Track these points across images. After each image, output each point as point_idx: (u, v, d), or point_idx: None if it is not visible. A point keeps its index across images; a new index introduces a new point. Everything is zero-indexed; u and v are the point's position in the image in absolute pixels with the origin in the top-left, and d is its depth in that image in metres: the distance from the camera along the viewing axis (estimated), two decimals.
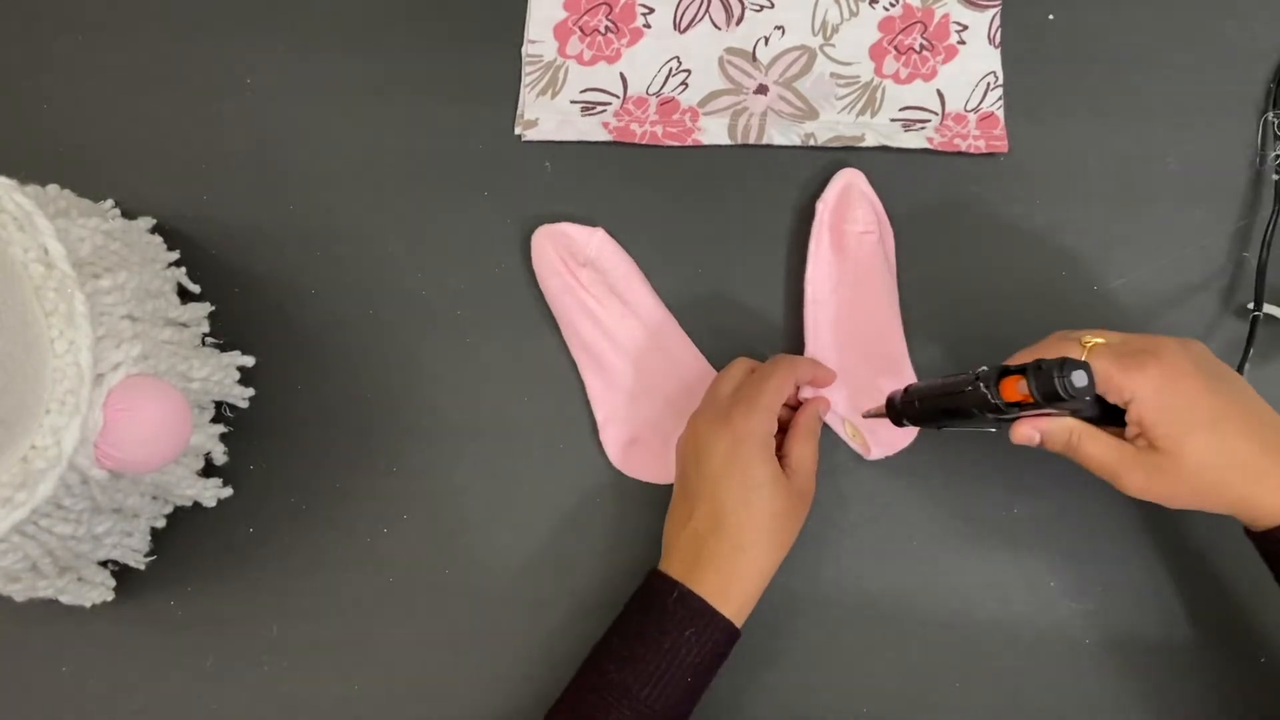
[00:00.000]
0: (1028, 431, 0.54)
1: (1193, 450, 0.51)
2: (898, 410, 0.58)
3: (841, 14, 0.71)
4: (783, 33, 0.71)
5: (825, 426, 0.65)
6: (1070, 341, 0.54)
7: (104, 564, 0.62)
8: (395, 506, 0.66)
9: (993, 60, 0.70)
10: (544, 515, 0.66)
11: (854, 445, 0.65)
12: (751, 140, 0.69)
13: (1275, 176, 0.67)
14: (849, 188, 0.66)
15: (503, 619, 0.64)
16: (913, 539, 0.65)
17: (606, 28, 0.72)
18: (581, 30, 0.72)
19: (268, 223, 0.70)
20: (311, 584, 0.65)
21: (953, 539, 0.64)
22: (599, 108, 0.70)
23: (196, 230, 0.69)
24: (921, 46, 0.71)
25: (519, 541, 0.65)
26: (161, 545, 0.64)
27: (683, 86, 0.70)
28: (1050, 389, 0.49)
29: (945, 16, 0.71)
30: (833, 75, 0.70)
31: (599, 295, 0.66)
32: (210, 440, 0.64)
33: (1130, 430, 0.53)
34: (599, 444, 0.66)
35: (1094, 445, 0.53)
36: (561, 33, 0.71)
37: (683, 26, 0.71)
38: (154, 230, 0.67)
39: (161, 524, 0.64)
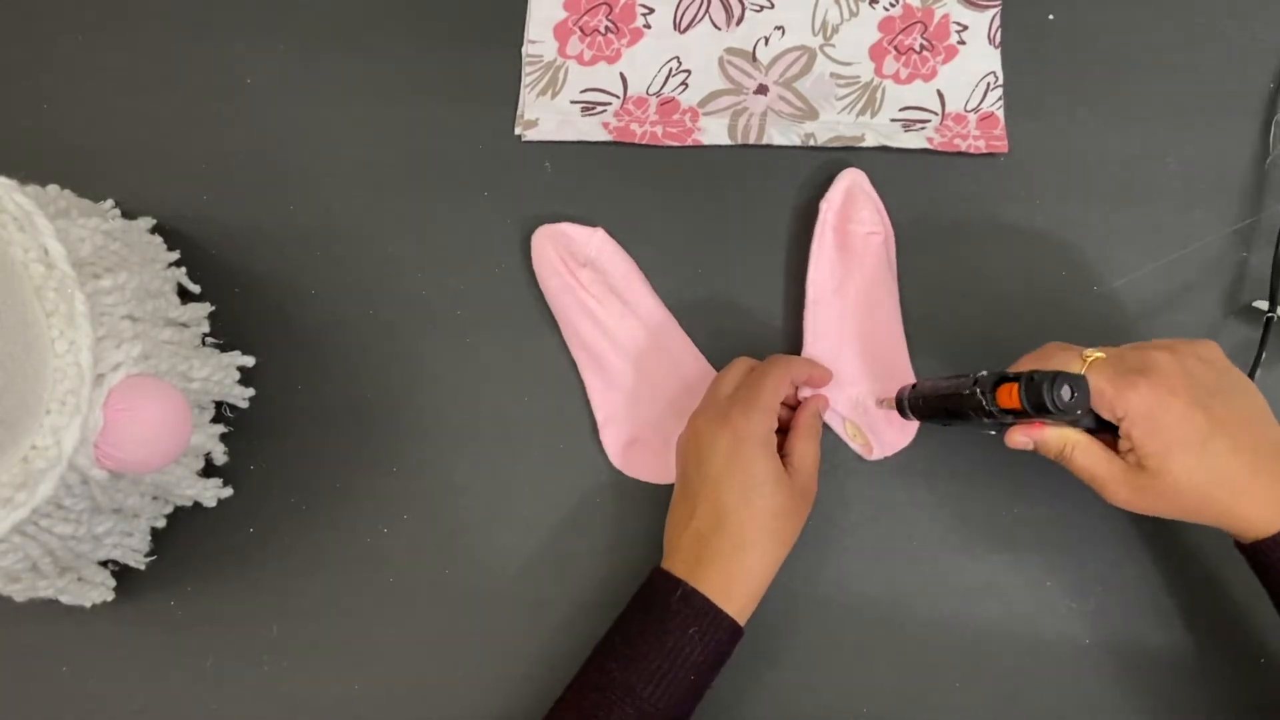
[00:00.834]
0: (1022, 439, 0.55)
1: (1179, 471, 0.51)
2: (905, 405, 0.60)
3: (841, 14, 0.71)
4: (783, 33, 0.71)
5: (826, 426, 0.65)
6: (1072, 353, 0.54)
7: (104, 564, 0.62)
8: (395, 506, 0.66)
9: (993, 60, 0.70)
10: (544, 515, 0.66)
11: (855, 446, 0.65)
12: (751, 140, 0.69)
13: None
14: (853, 188, 0.66)
15: (503, 619, 0.64)
16: (913, 539, 0.65)
17: (606, 28, 0.72)
18: (581, 30, 0.72)
19: (268, 223, 0.70)
20: (311, 584, 0.65)
21: (953, 539, 0.64)
22: (599, 108, 0.70)
23: (196, 230, 0.69)
24: (921, 47, 0.71)
25: (519, 541, 0.65)
26: (161, 545, 0.64)
27: (683, 86, 0.70)
28: (1039, 401, 0.51)
29: (945, 16, 0.71)
30: (833, 75, 0.70)
31: (599, 295, 0.66)
32: (210, 440, 0.64)
33: (1122, 445, 0.53)
34: (599, 444, 0.66)
35: (1085, 457, 0.54)
36: (561, 33, 0.71)
37: (683, 27, 0.71)
38: (154, 230, 0.67)
39: (161, 524, 0.64)
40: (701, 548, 0.57)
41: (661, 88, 0.70)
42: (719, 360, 0.66)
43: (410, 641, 0.64)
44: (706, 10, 0.71)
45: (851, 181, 0.66)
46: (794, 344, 0.67)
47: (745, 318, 0.68)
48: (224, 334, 0.66)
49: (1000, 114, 0.69)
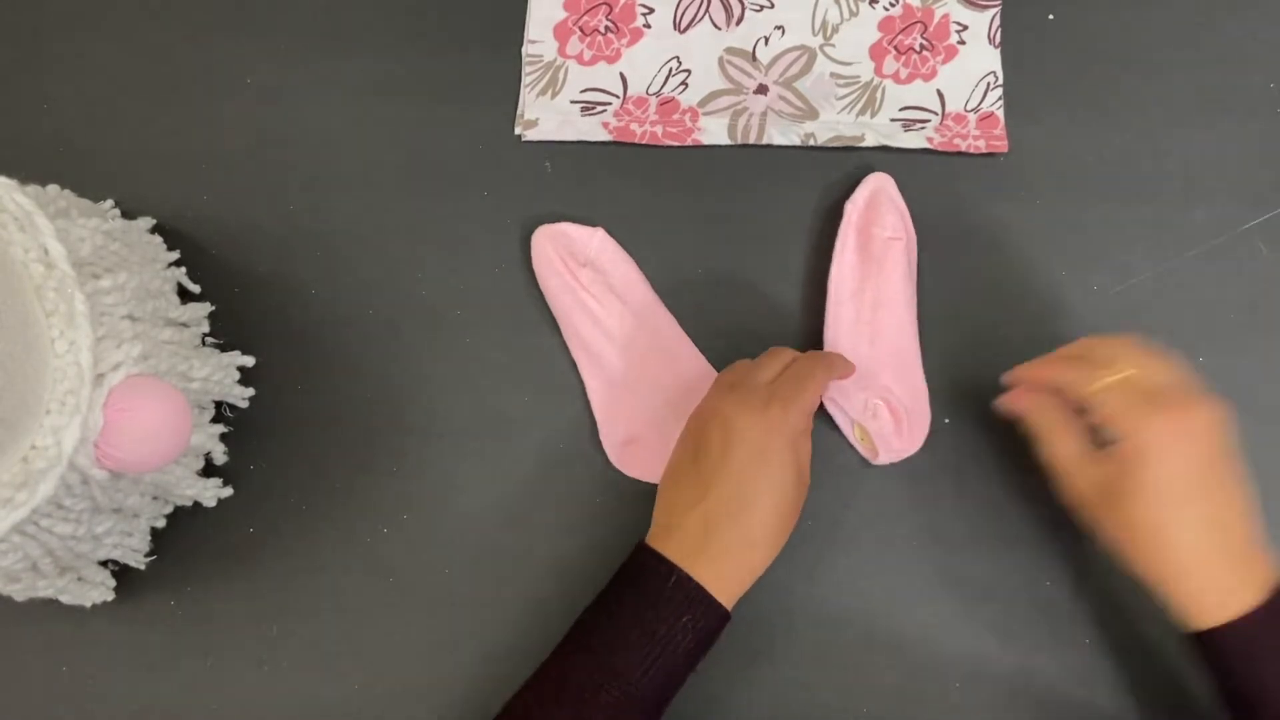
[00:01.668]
0: (1016, 405, 0.58)
1: (1155, 513, 0.52)
2: None
3: (841, 14, 0.71)
4: (783, 33, 0.71)
5: (834, 428, 0.65)
6: (1083, 369, 0.54)
7: (104, 564, 0.62)
8: (395, 506, 0.66)
9: (993, 60, 0.70)
10: (543, 515, 0.66)
11: (861, 449, 0.65)
12: (751, 140, 0.69)
13: None
14: (879, 192, 0.66)
15: (502, 619, 0.64)
16: (913, 539, 0.65)
17: (606, 28, 0.72)
18: (581, 30, 0.72)
19: (268, 223, 0.70)
20: (311, 584, 0.65)
21: (953, 539, 0.64)
22: (599, 108, 0.70)
23: (196, 230, 0.69)
24: (921, 46, 0.70)
25: (518, 541, 0.65)
26: (161, 545, 0.64)
27: (683, 86, 0.70)
28: None
29: (945, 16, 0.71)
30: (833, 75, 0.70)
31: (599, 295, 0.66)
32: (210, 440, 0.64)
33: (1109, 450, 0.53)
34: (598, 444, 0.66)
35: (1063, 445, 0.55)
36: (561, 33, 0.71)
37: (683, 26, 0.71)
38: (154, 230, 0.67)
39: (161, 524, 0.64)
40: (709, 534, 0.55)
41: (661, 88, 0.70)
42: (719, 360, 0.66)
43: (410, 641, 0.64)
44: (706, 10, 0.71)
45: (878, 185, 0.66)
46: (794, 344, 0.67)
47: (745, 317, 0.68)
48: (224, 334, 0.66)
49: (1000, 114, 0.69)
